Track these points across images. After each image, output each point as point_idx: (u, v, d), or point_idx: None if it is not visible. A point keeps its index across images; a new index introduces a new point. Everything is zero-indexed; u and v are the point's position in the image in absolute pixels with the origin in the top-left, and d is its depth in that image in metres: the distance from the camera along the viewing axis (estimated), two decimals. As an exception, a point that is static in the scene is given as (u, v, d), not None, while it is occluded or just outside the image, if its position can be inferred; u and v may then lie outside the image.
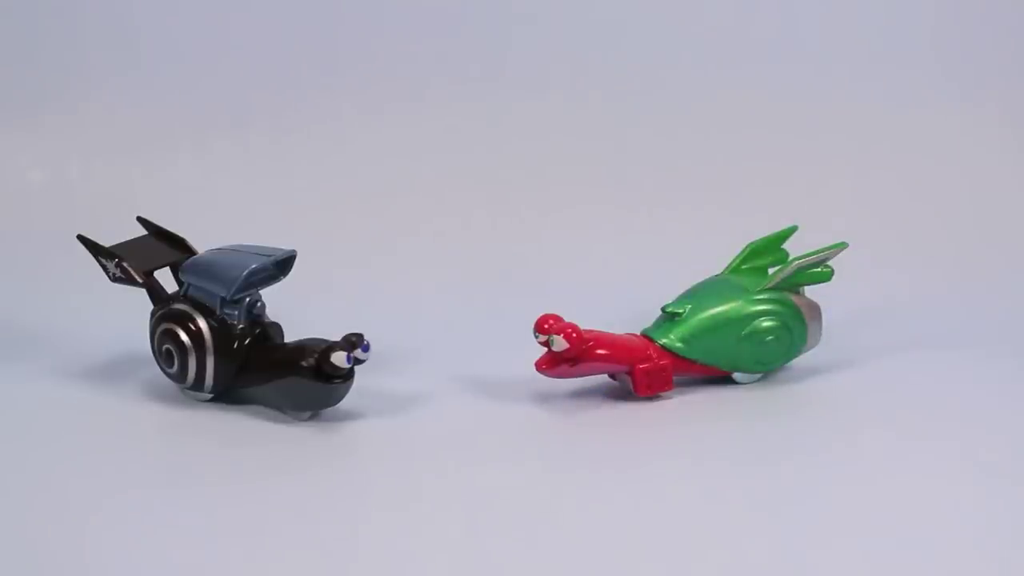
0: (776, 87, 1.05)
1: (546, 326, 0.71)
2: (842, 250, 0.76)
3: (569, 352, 0.71)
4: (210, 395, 0.71)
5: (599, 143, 1.04)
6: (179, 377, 0.71)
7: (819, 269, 0.76)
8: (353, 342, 0.67)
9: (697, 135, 1.04)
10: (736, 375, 0.76)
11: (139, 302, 0.73)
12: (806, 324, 0.76)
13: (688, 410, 0.73)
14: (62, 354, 0.78)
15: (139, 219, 0.77)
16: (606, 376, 0.75)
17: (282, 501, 0.61)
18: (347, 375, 0.68)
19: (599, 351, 0.72)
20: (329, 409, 0.70)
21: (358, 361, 0.68)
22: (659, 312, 0.76)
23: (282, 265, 0.72)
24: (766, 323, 0.75)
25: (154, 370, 0.73)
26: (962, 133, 1.05)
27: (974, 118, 1.05)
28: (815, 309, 0.77)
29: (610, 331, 0.74)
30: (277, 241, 0.73)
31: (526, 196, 1.01)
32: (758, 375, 0.77)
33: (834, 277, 0.76)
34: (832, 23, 1.06)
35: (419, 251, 0.96)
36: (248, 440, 0.68)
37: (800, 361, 0.78)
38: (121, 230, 0.76)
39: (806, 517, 0.60)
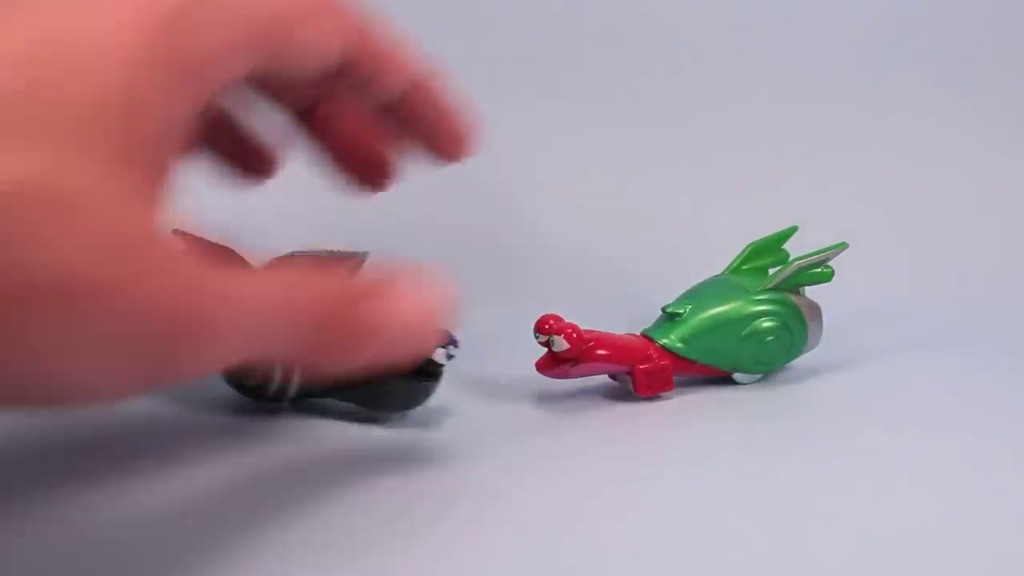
0: (776, 86, 1.05)
1: (546, 326, 0.71)
2: (842, 250, 0.76)
3: (569, 352, 0.71)
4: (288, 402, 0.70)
5: (598, 142, 1.04)
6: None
7: (819, 269, 0.76)
8: (446, 340, 0.66)
9: (697, 135, 1.05)
10: (736, 375, 0.76)
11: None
12: (806, 324, 0.76)
13: (688, 410, 0.73)
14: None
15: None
16: (606, 376, 0.75)
17: (281, 501, 0.61)
18: (439, 373, 0.68)
19: (599, 351, 0.72)
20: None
21: (450, 357, 0.67)
22: (659, 312, 0.76)
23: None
24: (766, 323, 0.75)
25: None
26: (962, 133, 1.05)
27: (975, 118, 1.05)
28: (815, 309, 0.77)
29: (610, 331, 0.74)
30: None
31: (526, 195, 1.01)
32: (758, 375, 0.77)
33: (834, 277, 0.76)
34: (833, 22, 1.06)
35: (419, 251, 0.96)
36: (248, 440, 0.68)
37: (800, 361, 0.78)
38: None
39: (807, 517, 0.60)
